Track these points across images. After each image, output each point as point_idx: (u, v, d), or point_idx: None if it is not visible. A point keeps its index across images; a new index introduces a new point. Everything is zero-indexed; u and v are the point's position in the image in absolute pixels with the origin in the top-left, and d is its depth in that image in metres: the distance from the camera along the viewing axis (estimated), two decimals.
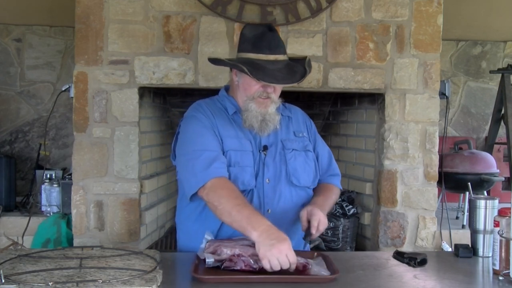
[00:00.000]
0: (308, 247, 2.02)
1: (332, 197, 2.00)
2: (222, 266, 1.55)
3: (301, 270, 1.54)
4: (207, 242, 1.66)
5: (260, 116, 1.82)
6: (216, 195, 1.70)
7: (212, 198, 1.70)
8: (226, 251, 1.56)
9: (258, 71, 1.75)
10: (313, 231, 1.76)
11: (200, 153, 1.76)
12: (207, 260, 1.56)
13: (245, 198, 1.75)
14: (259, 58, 1.79)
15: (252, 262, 1.53)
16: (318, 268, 1.54)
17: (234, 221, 1.63)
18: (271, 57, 1.80)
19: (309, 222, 1.79)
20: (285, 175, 1.88)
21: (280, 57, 1.82)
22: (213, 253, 1.57)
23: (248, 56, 1.81)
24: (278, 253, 1.49)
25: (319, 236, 3.21)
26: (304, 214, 1.81)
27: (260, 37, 1.81)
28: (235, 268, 1.54)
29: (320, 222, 1.77)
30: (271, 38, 1.82)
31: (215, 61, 1.93)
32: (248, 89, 1.83)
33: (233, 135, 1.86)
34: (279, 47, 1.83)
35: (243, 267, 1.53)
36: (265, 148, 1.88)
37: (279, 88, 1.87)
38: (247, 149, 1.85)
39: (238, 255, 1.54)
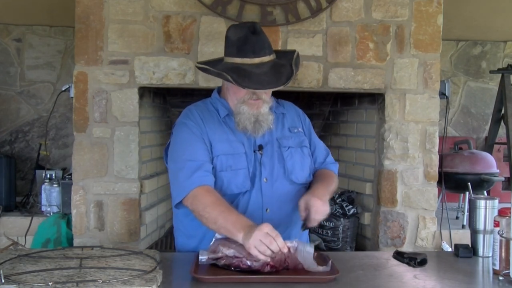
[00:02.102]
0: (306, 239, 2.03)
1: (332, 184, 1.96)
2: (220, 264, 1.55)
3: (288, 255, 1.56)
4: (215, 240, 1.65)
5: (253, 117, 1.81)
6: (200, 204, 1.72)
7: (197, 207, 1.73)
8: (222, 250, 1.56)
9: (243, 78, 1.74)
10: (312, 223, 1.75)
11: (185, 163, 1.79)
12: (200, 257, 1.56)
13: (229, 203, 1.74)
14: (244, 63, 1.78)
15: (249, 263, 1.53)
16: (303, 247, 1.56)
17: (220, 227, 1.66)
18: (256, 60, 1.78)
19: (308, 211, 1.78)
20: (283, 173, 1.88)
21: (266, 58, 1.80)
22: (214, 251, 1.58)
23: (233, 61, 1.80)
24: (259, 235, 1.52)
25: (319, 237, 3.24)
26: (302, 203, 1.78)
27: (244, 40, 1.79)
28: (230, 267, 1.54)
29: (317, 211, 1.75)
30: (254, 41, 1.79)
31: (202, 68, 1.91)
32: (238, 93, 1.83)
33: (224, 139, 1.86)
34: (264, 48, 1.81)
35: (241, 266, 1.53)
36: (261, 147, 1.88)
37: (268, 90, 1.85)
38: (239, 151, 1.85)
39: (232, 257, 1.54)
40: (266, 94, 1.84)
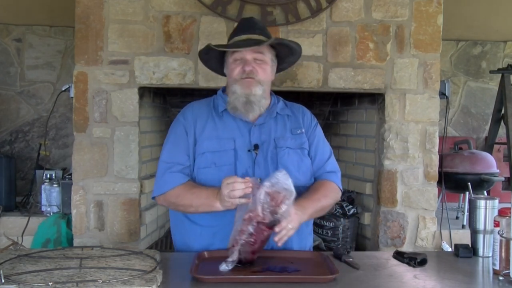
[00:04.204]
0: (311, 249, 2.01)
1: (326, 194, 1.87)
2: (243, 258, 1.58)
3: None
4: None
5: (244, 97, 1.84)
6: (172, 196, 1.83)
7: (169, 200, 1.85)
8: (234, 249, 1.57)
9: (223, 46, 1.89)
10: (275, 238, 1.60)
11: (160, 163, 1.89)
12: (223, 267, 1.56)
13: (199, 185, 1.83)
14: (234, 40, 1.89)
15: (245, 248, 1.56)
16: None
17: (198, 206, 1.76)
18: (244, 36, 1.88)
19: None
20: None
21: (254, 36, 1.87)
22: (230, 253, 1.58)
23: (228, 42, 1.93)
24: (224, 189, 1.63)
25: (319, 237, 3.23)
26: None
27: (238, 24, 1.96)
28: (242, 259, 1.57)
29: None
30: (246, 23, 1.94)
31: (199, 55, 2.03)
32: (231, 74, 1.89)
33: (213, 136, 1.88)
34: (255, 28, 1.90)
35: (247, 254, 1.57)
36: (256, 147, 1.87)
37: (259, 68, 1.86)
38: (226, 148, 1.86)
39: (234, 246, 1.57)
40: (261, 74, 1.86)
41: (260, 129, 1.90)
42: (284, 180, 1.57)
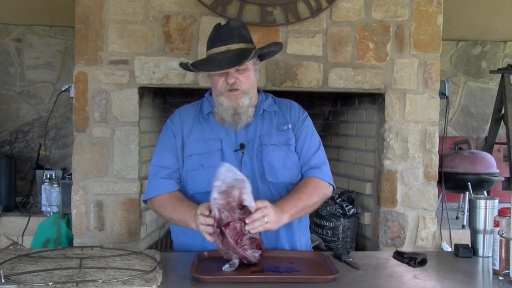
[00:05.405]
0: (309, 247, 2.01)
1: (309, 192, 1.84)
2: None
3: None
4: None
5: (232, 109, 1.83)
6: (156, 205, 1.90)
7: (154, 208, 1.93)
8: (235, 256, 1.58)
9: (203, 64, 1.86)
10: (246, 227, 1.58)
11: (152, 167, 1.94)
12: (225, 267, 1.57)
13: (182, 197, 1.86)
14: (212, 52, 1.85)
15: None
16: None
17: (177, 221, 1.82)
18: (223, 48, 1.83)
19: None
20: (262, 172, 1.85)
21: (233, 46, 1.83)
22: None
23: (207, 54, 1.89)
24: (196, 221, 1.63)
25: (319, 237, 3.23)
26: None
27: (215, 32, 1.89)
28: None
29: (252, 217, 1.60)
30: (223, 31, 1.87)
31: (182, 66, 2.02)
32: (214, 85, 1.87)
33: (200, 138, 1.89)
34: (232, 37, 1.85)
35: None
36: (242, 146, 1.87)
37: (242, 78, 1.83)
38: (212, 149, 1.86)
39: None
40: (245, 83, 1.84)
41: (247, 128, 1.89)
42: (230, 172, 1.56)
